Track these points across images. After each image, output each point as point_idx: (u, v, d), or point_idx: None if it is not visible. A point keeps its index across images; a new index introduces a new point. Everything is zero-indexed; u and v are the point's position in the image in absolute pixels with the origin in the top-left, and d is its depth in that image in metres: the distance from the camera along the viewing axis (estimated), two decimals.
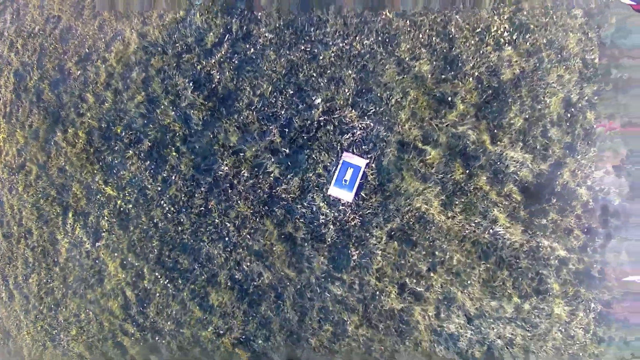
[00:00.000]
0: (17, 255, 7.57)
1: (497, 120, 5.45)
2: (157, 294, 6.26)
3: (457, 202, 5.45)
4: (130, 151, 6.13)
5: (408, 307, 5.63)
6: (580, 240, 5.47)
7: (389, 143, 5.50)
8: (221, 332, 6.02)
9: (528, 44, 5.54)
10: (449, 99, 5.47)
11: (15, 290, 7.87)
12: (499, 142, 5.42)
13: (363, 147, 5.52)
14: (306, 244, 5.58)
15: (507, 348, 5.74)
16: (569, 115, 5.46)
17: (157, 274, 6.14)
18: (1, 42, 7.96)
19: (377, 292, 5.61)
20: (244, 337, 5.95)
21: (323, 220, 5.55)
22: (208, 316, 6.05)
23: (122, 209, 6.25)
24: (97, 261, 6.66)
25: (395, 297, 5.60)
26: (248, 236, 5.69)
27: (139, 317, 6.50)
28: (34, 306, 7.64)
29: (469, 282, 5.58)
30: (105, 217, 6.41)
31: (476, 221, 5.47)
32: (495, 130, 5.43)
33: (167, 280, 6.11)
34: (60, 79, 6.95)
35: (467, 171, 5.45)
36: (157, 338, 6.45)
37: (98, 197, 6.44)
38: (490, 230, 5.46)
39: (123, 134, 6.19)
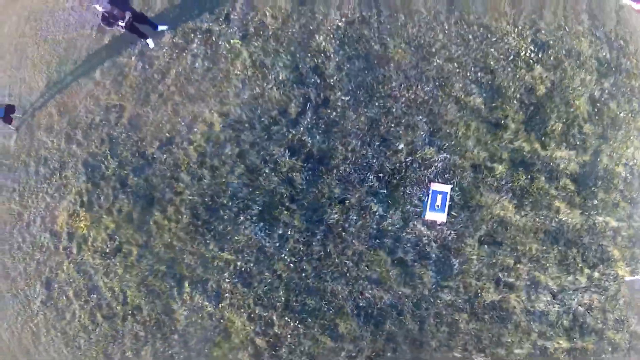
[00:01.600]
0: (123, 332, 8.25)
1: (542, 129, 6.91)
2: (289, 336, 7.21)
3: (526, 203, 6.86)
4: (242, 217, 7.07)
5: (504, 297, 6.96)
6: (626, 210, 7.03)
7: (464, 168, 6.84)
8: (353, 354, 7.08)
9: (552, 58, 7.04)
10: (502, 121, 6.90)
11: None
12: (547, 147, 6.89)
13: (445, 175, 6.80)
14: (415, 263, 6.77)
15: (588, 313, 7.19)
16: (596, 110, 7.01)
17: (286, 318, 7.11)
18: (53, 135, 8.56)
19: (479, 290, 6.90)
20: (374, 354, 7.06)
21: (426, 241, 6.77)
22: (339, 344, 7.08)
23: (242, 269, 7.16)
24: (221, 320, 7.51)
25: (493, 291, 6.92)
26: (366, 268, 6.80)
27: None
28: None
29: (547, 265, 7.01)
30: (227, 280, 7.30)
31: (544, 214, 6.92)
32: (543, 138, 6.90)
33: (297, 322, 7.08)
34: (144, 164, 7.71)
35: (529, 176, 6.88)
36: None
37: (215, 263, 7.31)
38: (556, 219, 6.91)
39: (230, 203, 7.14)
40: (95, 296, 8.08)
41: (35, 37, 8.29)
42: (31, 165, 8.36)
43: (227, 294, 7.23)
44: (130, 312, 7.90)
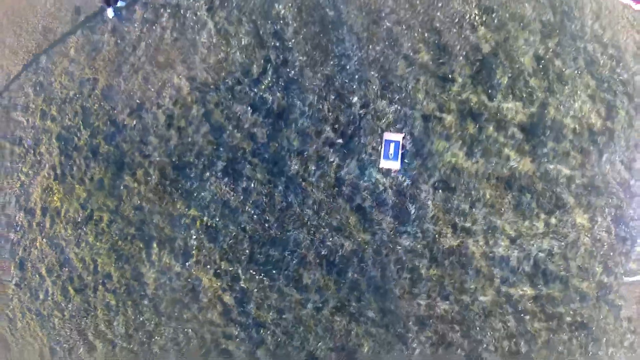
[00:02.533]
0: (95, 304, 8.39)
1: (488, 82, 7.42)
2: (255, 290, 7.39)
3: (476, 150, 7.23)
4: (207, 173, 7.47)
5: (463, 242, 7.21)
6: (578, 159, 7.42)
7: (415, 118, 7.32)
8: (319, 305, 7.24)
9: (496, 21, 7.67)
10: (450, 76, 7.45)
11: (96, 340, 8.59)
12: (494, 99, 7.40)
13: (397, 125, 7.26)
14: (373, 210, 7.10)
15: (549, 259, 7.43)
16: (541, 66, 7.53)
17: (252, 271, 7.32)
18: (29, 114, 9.03)
19: (436, 235, 7.15)
20: (339, 304, 7.21)
21: (382, 188, 7.11)
22: (305, 295, 7.26)
23: (208, 224, 7.47)
24: (189, 280, 7.71)
25: (450, 236, 7.18)
26: (326, 216, 7.10)
27: (241, 318, 7.53)
28: (121, 348, 8.40)
29: (503, 210, 7.33)
30: (193, 237, 7.59)
31: (494, 161, 7.32)
32: (490, 91, 7.42)
33: (262, 275, 7.27)
34: (115, 131, 8.13)
35: (477, 125, 7.34)
36: (261, 331, 7.51)
37: (182, 221, 7.62)
38: (507, 166, 7.32)
39: (196, 161, 7.57)
40: (66, 269, 8.27)
41: (14, 28, 9.01)
42: (7, 147, 8.81)
43: (193, 251, 7.49)
44: (100, 281, 8.07)
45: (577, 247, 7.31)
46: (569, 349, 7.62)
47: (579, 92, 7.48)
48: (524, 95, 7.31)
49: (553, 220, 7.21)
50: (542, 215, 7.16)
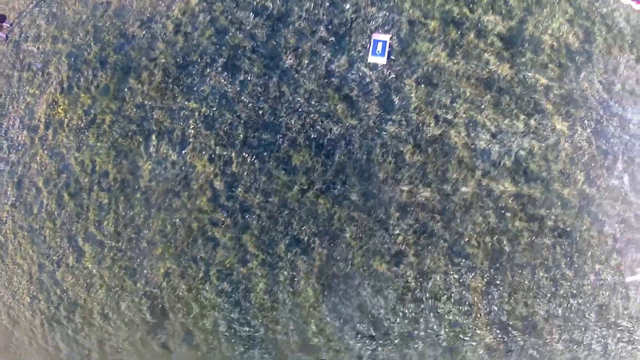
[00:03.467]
0: (88, 206, 8.82)
1: None
2: (245, 173, 7.80)
3: (457, 53, 7.92)
4: (208, 70, 8.23)
5: (445, 132, 7.67)
6: (556, 72, 8.05)
7: (402, 22, 8.12)
8: (305, 187, 7.59)
9: None
10: None
11: (85, 244, 8.89)
12: (475, 12, 8.23)
13: (385, 27, 8.07)
14: (360, 98, 7.66)
15: (529, 158, 7.83)
16: None
17: (244, 154, 7.80)
18: (40, 42, 9.99)
19: (420, 124, 7.63)
20: (325, 186, 7.57)
21: (369, 80, 7.67)
22: (292, 177, 7.61)
23: (206, 114, 8.06)
24: (183, 168, 8.14)
25: (433, 125, 7.67)
26: (316, 103, 7.64)
27: (228, 203, 7.84)
28: (110, 248, 8.70)
29: (483, 107, 7.87)
30: (191, 126, 8.15)
31: (475, 64, 7.99)
32: (471, 5, 8.28)
33: (254, 157, 7.72)
34: (124, 42, 8.90)
35: (459, 32, 8.06)
36: (247, 216, 7.81)
37: (182, 113, 8.17)
38: (487, 69, 7.97)
39: (199, 60, 8.36)
40: (64, 175, 8.78)
41: None
42: (14, 75, 9.72)
43: (190, 139, 8.04)
44: (96, 181, 8.57)
45: (558, 150, 7.72)
46: (553, 257, 7.80)
47: (557, 16, 8.25)
48: (504, 12, 8.13)
49: (532, 122, 7.69)
50: (522, 116, 7.66)
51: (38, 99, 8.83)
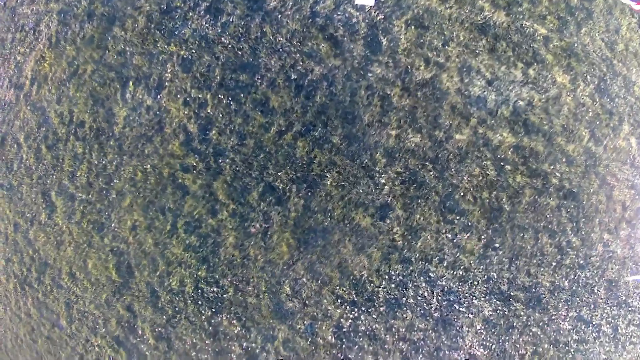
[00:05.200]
0: (63, 157, 6.99)
1: None
2: (220, 115, 5.97)
3: None
4: (191, 13, 6.62)
5: (436, 76, 5.84)
6: (555, 24, 6.27)
7: None
8: (283, 129, 5.72)
9: None
10: None
11: (58, 198, 7.02)
12: None
13: None
14: (345, 38, 5.91)
15: (529, 109, 5.93)
16: None
17: (220, 96, 6.01)
18: (34, 4, 8.34)
19: (409, 67, 5.82)
20: (304, 128, 5.70)
21: (355, 21, 6.03)
22: (270, 118, 5.77)
23: (185, 56, 6.37)
24: (158, 112, 6.38)
25: (423, 68, 5.85)
26: (298, 43, 5.95)
27: (201, 146, 5.97)
28: (80, 201, 6.80)
29: (477, 51, 6.05)
30: (168, 70, 6.45)
31: (468, 9, 6.26)
32: None
33: (230, 99, 5.95)
34: None
35: None
36: (219, 160, 5.91)
37: (161, 57, 6.52)
38: (481, 15, 6.22)
39: (183, 4, 6.77)
40: (43, 129, 7.14)
41: None
42: (8, 38, 8.21)
43: (167, 83, 6.28)
44: (73, 130, 6.85)
45: (560, 104, 5.84)
46: (558, 220, 5.73)
47: None
48: None
49: (531, 72, 5.86)
50: (520, 65, 5.84)
51: (27, 57, 7.23)
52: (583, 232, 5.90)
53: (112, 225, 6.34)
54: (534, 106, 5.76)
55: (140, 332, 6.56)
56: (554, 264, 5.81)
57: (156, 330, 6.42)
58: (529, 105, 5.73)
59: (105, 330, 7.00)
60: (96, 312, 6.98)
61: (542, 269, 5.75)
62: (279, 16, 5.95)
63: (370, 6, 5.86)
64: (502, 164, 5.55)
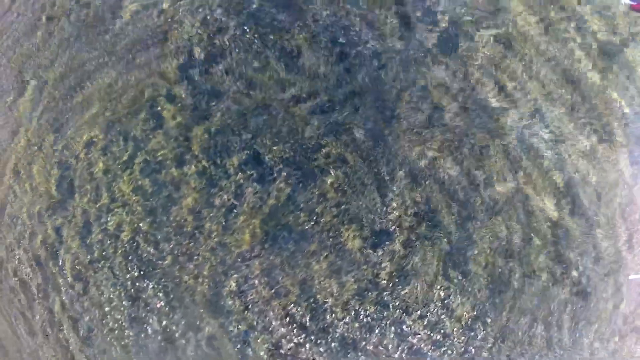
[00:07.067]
0: (52, 33, 4.76)
1: None
2: (236, 50, 3.89)
3: (550, 32, 4.24)
4: None
5: (503, 108, 3.94)
6: None
7: None
8: (302, 96, 3.69)
9: None
10: None
11: (30, 81, 4.82)
12: (582, 5, 4.53)
13: None
14: (420, 23, 3.91)
15: (581, 186, 4.08)
16: None
17: (246, 27, 3.90)
18: None
19: (478, 85, 3.89)
20: (328, 105, 3.68)
21: (440, 9, 4.01)
22: (293, 77, 3.73)
23: None
24: (169, 20, 4.24)
25: (494, 94, 3.94)
26: (364, 5, 3.87)
27: (200, 78, 3.91)
28: (49, 93, 4.59)
29: (556, 100, 4.15)
30: None
31: (564, 54, 4.27)
32: None
33: (255, 34, 3.87)
34: None
35: (559, 15, 4.48)
36: (212, 103, 3.84)
37: None
38: (575, 65, 4.29)
39: None
40: None
41: None
42: None
43: None
44: (74, 6, 4.61)
45: (614, 194, 4.07)
46: (560, 315, 4.12)
47: None
48: (610, 22, 4.42)
49: (599, 148, 4.00)
50: (592, 136, 3.97)
51: None
52: (577, 334, 4.14)
53: (68, 132, 4.18)
54: (588, 184, 3.86)
55: (61, 262, 4.47)
56: (537, 357, 4.02)
57: (77, 267, 4.37)
58: (583, 181, 3.83)
59: (29, 245, 4.88)
60: (27, 222, 4.84)
61: (523, 359, 3.95)
62: None
63: (465, 2, 3.79)
64: (532, 235, 3.66)
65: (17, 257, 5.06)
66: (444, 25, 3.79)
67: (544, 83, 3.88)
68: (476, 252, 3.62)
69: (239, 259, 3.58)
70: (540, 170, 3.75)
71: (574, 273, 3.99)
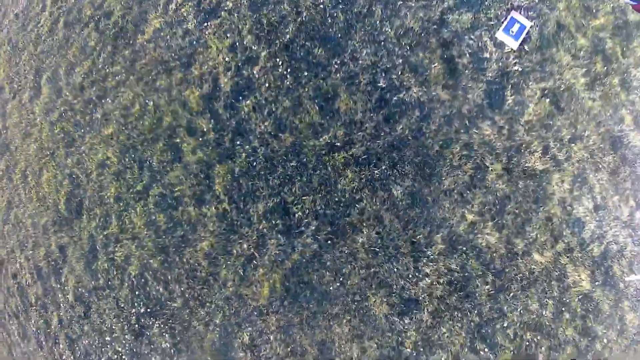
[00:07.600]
0: (72, 42, 4.24)
1: None
2: (266, 85, 3.40)
3: (596, 88, 3.88)
4: None
5: (548, 171, 3.51)
6: None
7: (549, 19, 3.99)
8: (337, 144, 3.21)
9: None
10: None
11: (46, 85, 4.27)
12: (626, 57, 4.13)
13: (529, 13, 3.93)
14: (466, 71, 3.43)
15: (617, 256, 3.68)
16: None
17: (277, 59, 3.39)
18: None
19: (524, 145, 3.46)
20: (365, 157, 3.21)
21: (487, 56, 3.53)
22: (327, 121, 3.26)
23: None
24: (194, 42, 3.71)
25: (539, 156, 3.49)
26: (407, 47, 3.41)
27: (225, 112, 3.41)
28: (64, 102, 4.08)
29: (600, 166, 3.72)
30: None
31: (610, 113, 3.88)
32: (624, 48, 4.20)
33: (288, 70, 3.37)
34: None
35: (605, 68, 4.02)
36: (237, 141, 3.34)
37: None
38: (619, 126, 3.86)
39: None
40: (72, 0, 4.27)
41: None
42: None
43: (222, 12, 3.59)
44: (98, 16, 4.05)
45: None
46: None
47: None
48: None
49: (638, 215, 3.53)
50: (632, 202, 3.51)
51: None
52: None
53: (82, 148, 3.67)
54: (623, 255, 3.44)
55: (63, 280, 3.99)
56: None
57: (79, 289, 3.87)
58: (619, 252, 3.40)
59: (32, 254, 4.37)
60: (30, 230, 4.33)
61: None
62: (399, 3, 3.27)
63: (512, 49, 3.27)
64: (562, 309, 3.22)
65: (18, 261, 4.58)
66: (491, 74, 3.30)
67: (589, 147, 3.42)
68: (505, 324, 3.19)
69: (255, 313, 3.12)
70: (580, 240, 3.31)
71: (598, 346, 3.58)
